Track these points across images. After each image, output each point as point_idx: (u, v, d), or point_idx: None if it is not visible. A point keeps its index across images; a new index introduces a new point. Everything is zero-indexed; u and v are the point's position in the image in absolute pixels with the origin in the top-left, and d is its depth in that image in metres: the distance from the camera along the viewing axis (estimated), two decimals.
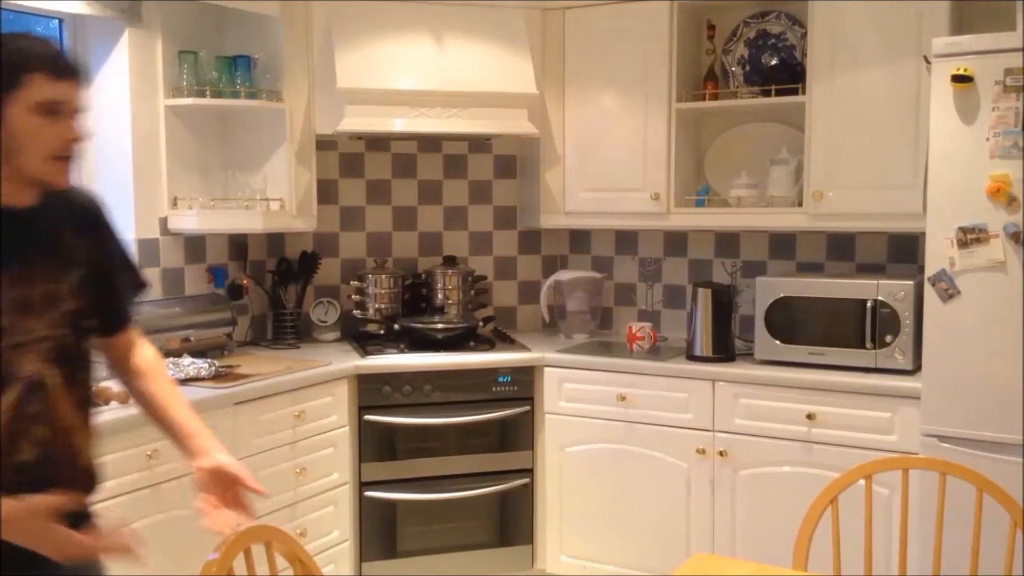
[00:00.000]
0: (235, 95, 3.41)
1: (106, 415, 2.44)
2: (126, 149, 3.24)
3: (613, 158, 3.69)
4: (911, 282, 3.07)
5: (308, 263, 3.83)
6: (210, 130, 3.54)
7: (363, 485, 3.36)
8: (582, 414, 3.46)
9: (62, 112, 1.52)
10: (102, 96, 3.27)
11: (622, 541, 3.43)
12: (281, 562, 1.70)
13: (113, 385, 2.62)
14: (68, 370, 1.62)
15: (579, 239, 4.17)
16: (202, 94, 3.35)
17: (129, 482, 2.48)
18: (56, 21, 3.25)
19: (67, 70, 1.53)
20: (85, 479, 1.68)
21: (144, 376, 1.84)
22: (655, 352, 3.54)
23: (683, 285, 3.92)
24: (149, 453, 2.52)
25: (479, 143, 4.09)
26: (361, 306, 3.85)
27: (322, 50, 3.51)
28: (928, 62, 2.83)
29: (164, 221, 3.36)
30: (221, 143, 3.59)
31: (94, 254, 1.68)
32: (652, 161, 3.60)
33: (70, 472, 1.63)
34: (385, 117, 3.45)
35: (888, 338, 3.06)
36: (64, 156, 1.55)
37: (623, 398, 3.37)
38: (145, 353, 1.87)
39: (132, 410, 2.49)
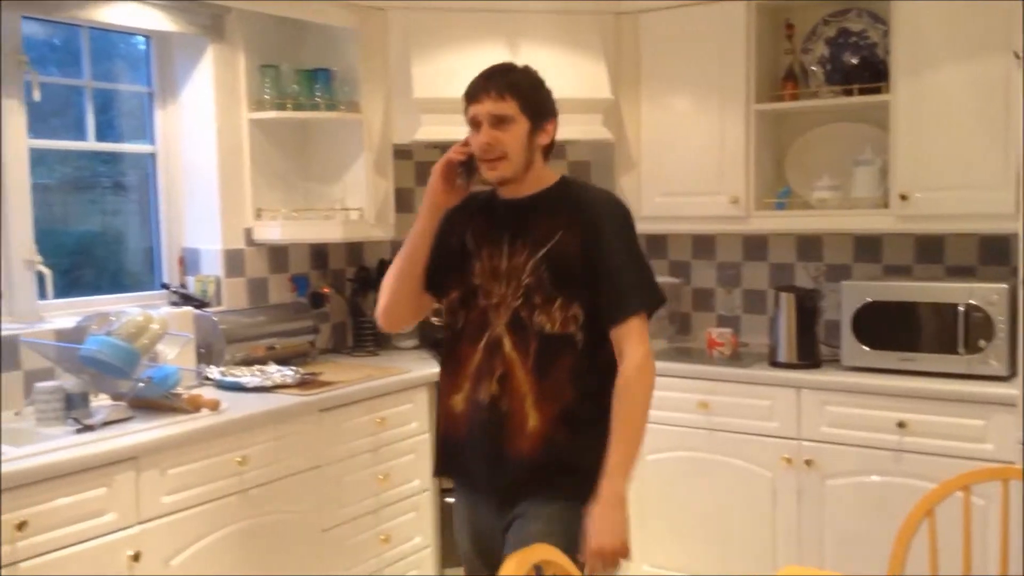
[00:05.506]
0: (315, 107, 3.46)
1: (198, 423, 2.51)
2: (212, 162, 3.33)
3: (689, 162, 3.65)
4: (1005, 285, 2.96)
5: (386, 271, 3.85)
6: (291, 142, 3.61)
7: (444, 491, 3.37)
8: (662, 421, 3.41)
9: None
10: (188, 111, 3.37)
11: (706, 551, 3.37)
12: None
13: (204, 393, 2.71)
14: (519, 338, 1.91)
15: (655, 244, 4.13)
16: (283, 107, 3.42)
17: (218, 488, 2.53)
18: (144, 39, 3.35)
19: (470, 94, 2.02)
20: (528, 440, 1.91)
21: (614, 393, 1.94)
22: (736, 358, 3.48)
23: (763, 290, 3.85)
24: (239, 459, 2.57)
25: (554, 149, 4.06)
26: (438, 313, 3.86)
27: (398, 60, 3.55)
28: (1018, 57, 2.73)
29: (249, 232, 3.44)
30: (301, 154, 3.66)
31: (580, 246, 1.93)
32: (729, 164, 3.55)
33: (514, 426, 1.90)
34: (461, 126, 3.46)
35: (981, 343, 2.96)
36: (483, 158, 2.02)
37: (704, 405, 3.32)
38: (625, 365, 1.93)
39: (221, 417, 2.58)
